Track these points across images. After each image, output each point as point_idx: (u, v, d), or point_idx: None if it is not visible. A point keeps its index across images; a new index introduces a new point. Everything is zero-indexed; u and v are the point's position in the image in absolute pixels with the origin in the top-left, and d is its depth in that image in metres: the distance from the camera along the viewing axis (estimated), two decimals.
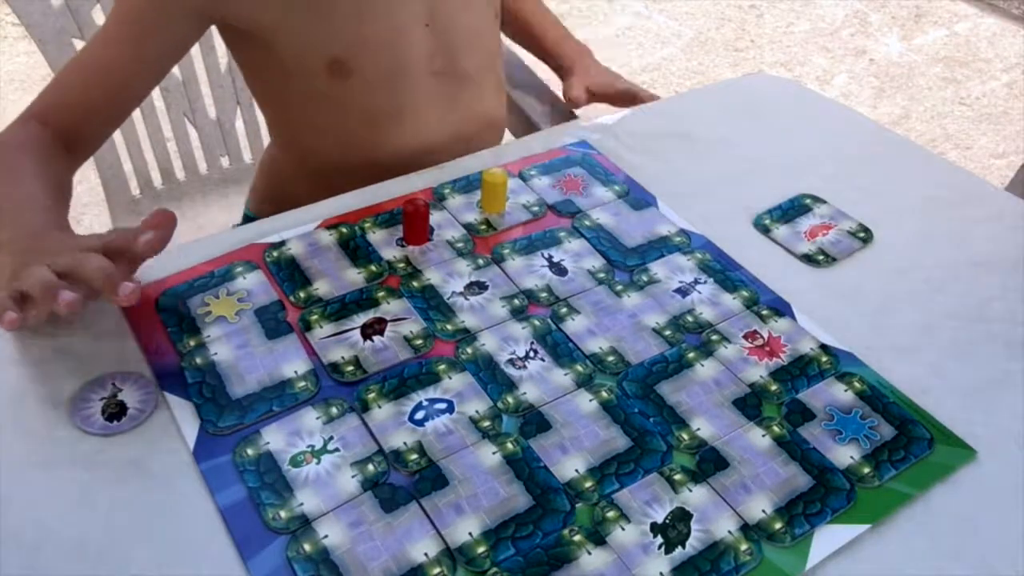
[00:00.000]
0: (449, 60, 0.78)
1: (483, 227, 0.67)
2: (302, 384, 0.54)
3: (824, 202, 0.72)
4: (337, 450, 0.51)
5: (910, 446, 0.53)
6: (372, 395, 0.54)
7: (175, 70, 0.98)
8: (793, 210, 0.71)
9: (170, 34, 0.71)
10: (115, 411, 0.52)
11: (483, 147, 0.84)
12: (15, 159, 0.68)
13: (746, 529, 0.48)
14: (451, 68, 0.78)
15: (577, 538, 0.47)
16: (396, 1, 0.73)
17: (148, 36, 0.71)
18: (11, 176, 0.67)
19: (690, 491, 0.50)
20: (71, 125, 0.70)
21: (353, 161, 0.79)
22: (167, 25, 0.70)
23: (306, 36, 0.72)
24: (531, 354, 0.57)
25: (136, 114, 0.73)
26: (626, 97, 0.94)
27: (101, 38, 0.71)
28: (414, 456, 0.51)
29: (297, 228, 0.66)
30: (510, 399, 0.54)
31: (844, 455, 0.52)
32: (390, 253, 0.64)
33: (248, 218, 0.92)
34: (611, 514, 0.49)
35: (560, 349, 0.58)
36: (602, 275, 0.64)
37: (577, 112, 0.99)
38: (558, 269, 0.64)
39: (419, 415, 0.53)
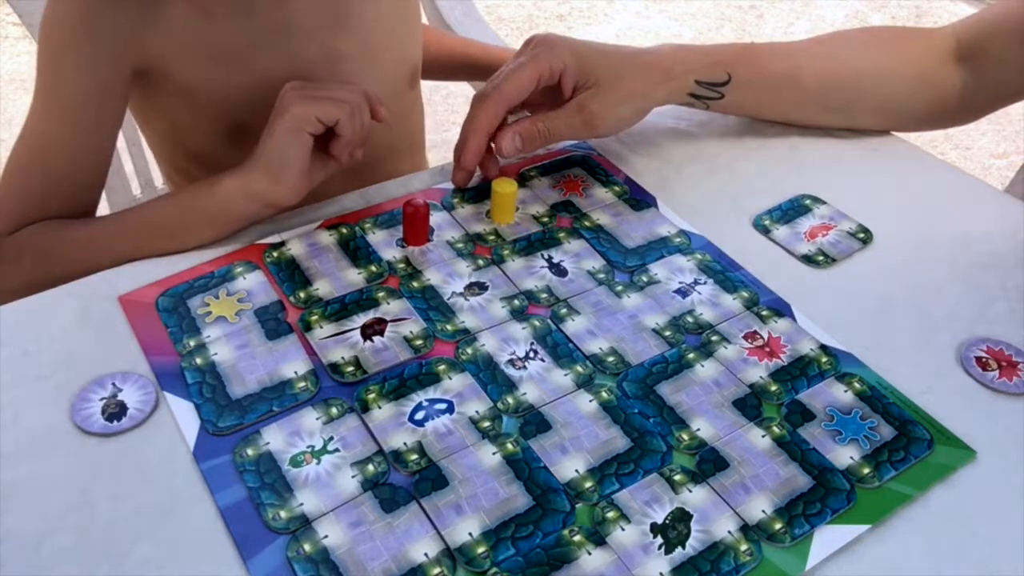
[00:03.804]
0: None
1: (492, 237, 0.67)
2: (302, 384, 0.54)
3: (824, 202, 0.72)
4: (337, 450, 0.51)
5: (910, 447, 0.53)
6: (372, 395, 0.54)
7: None
8: (793, 210, 0.71)
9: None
10: (115, 411, 0.52)
11: None
12: (46, 232, 0.66)
13: (746, 529, 0.48)
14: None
15: (577, 538, 0.47)
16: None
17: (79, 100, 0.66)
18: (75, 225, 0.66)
19: (690, 491, 0.50)
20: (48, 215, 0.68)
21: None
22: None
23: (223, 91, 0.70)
24: (531, 354, 0.57)
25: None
26: None
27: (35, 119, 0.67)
28: (414, 456, 0.51)
29: (297, 228, 0.66)
30: (510, 399, 0.54)
31: (844, 455, 0.52)
32: (390, 253, 0.64)
33: None
34: (611, 514, 0.49)
35: (560, 350, 0.58)
36: (602, 276, 0.64)
37: None
38: (558, 270, 0.64)
39: (419, 415, 0.53)
